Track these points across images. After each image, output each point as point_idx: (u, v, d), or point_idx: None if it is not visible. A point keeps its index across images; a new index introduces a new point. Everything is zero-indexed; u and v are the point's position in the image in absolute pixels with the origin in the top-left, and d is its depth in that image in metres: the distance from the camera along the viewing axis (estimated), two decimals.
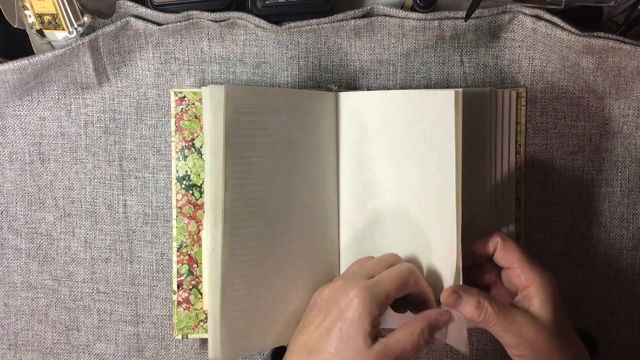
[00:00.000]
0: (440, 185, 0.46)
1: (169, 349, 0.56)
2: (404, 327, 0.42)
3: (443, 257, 0.46)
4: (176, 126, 0.53)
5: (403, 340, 0.41)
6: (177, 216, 0.53)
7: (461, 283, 0.44)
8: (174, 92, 0.53)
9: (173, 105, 0.53)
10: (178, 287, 0.53)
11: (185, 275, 0.53)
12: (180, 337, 0.53)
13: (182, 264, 0.53)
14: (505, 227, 0.52)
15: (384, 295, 0.42)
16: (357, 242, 0.51)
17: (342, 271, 0.51)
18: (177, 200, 0.53)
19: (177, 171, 0.53)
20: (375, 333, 0.41)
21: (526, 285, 0.43)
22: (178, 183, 0.53)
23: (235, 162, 0.44)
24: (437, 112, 0.46)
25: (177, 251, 0.53)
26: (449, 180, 0.45)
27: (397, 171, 0.48)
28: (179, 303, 0.53)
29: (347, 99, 0.51)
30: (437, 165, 0.46)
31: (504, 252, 0.45)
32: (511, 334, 0.41)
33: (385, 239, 0.49)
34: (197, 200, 0.53)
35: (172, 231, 0.55)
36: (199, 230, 0.53)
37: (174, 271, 0.53)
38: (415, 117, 0.47)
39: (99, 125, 0.55)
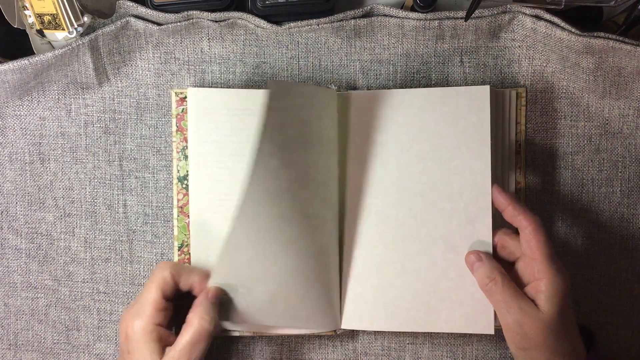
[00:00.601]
0: (475, 178, 0.48)
1: None
2: (186, 325, 0.44)
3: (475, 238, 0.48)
4: (177, 126, 0.53)
5: (191, 338, 0.43)
6: (178, 215, 0.53)
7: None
8: (175, 93, 0.53)
9: (174, 105, 0.53)
10: None
11: None
12: None
13: (183, 263, 0.53)
14: (505, 227, 0.52)
15: (149, 308, 0.45)
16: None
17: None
18: (178, 200, 0.53)
19: (178, 171, 0.53)
20: (163, 345, 0.44)
21: (538, 278, 0.43)
22: (179, 183, 0.53)
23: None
24: (472, 108, 0.48)
25: (179, 250, 0.53)
26: (484, 173, 0.48)
27: (424, 171, 0.50)
28: None
29: (358, 98, 0.51)
30: (471, 162, 0.48)
31: (531, 237, 0.44)
32: (510, 317, 0.42)
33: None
34: None
35: (172, 231, 0.55)
36: None
37: None
38: (449, 115, 0.49)
39: (99, 125, 0.55)
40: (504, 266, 0.46)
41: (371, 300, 0.50)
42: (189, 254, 0.52)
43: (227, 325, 0.50)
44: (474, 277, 0.47)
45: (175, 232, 0.53)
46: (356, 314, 0.51)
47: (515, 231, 0.46)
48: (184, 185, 0.53)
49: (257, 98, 0.51)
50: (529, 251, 0.44)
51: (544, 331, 0.41)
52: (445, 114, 0.49)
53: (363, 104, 0.51)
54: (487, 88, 0.49)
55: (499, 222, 0.48)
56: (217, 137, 0.52)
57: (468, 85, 0.52)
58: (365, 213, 0.51)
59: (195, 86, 0.54)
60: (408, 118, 0.50)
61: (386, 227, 0.51)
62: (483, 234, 0.48)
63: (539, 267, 0.43)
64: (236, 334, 0.52)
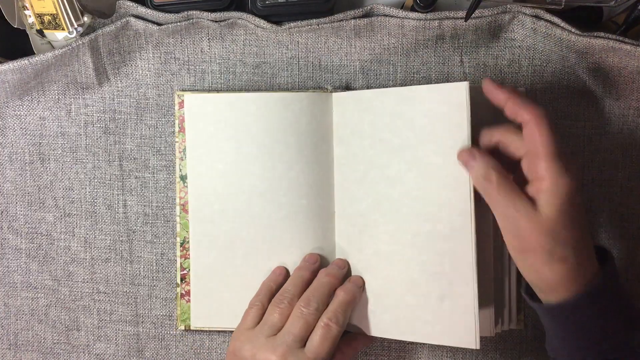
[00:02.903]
0: (453, 182, 0.45)
1: (169, 349, 0.56)
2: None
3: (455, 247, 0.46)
4: (179, 127, 0.53)
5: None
6: (180, 213, 0.53)
7: None
8: (177, 95, 0.53)
9: (176, 107, 0.53)
10: (181, 280, 0.54)
11: (187, 269, 0.53)
12: (182, 328, 0.53)
13: (185, 259, 0.53)
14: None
15: None
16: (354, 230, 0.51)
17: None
18: (180, 198, 0.53)
19: (180, 170, 0.53)
20: None
21: (540, 177, 0.39)
22: (181, 181, 0.53)
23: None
24: (447, 106, 0.45)
25: (180, 246, 0.53)
26: (463, 180, 0.44)
27: (397, 173, 0.48)
28: (182, 295, 0.54)
29: (340, 99, 0.51)
30: (448, 164, 0.45)
31: (533, 132, 0.39)
32: (506, 217, 0.40)
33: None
34: None
35: (172, 231, 0.55)
36: None
37: (178, 265, 0.53)
38: (422, 114, 0.47)
39: (99, 125, 0.55)
40: (509, 165, 0.42)
41: (371, 304, 0.50)
42: (189, 250, 0.53)
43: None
44: (461, 287, 0.45)
45: (177, 229, 0.53)
46: (357, 317, 0.50)
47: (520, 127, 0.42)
48: (185, 184, 0.53)
49: (252, 101, 0.51)
50: (532, 148, 0.40)
51: (540, 232, 0.38)
52: (409, 114, 0.47)
53: (345, 105, 0.51)
54: (463, 85, 0.44)
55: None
56: (214, 140, 0.52)
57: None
58: (352, 218, 0.51)
59: (194, 86, 0.54)
60: (387, 118, 0.49)
61: (371, 230, 0.50)
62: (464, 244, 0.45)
63: (542, 165, 0.39)
64: None
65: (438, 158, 0.46)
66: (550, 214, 0.38)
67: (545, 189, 0.39)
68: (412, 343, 0.55)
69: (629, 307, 0.41)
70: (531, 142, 0.40)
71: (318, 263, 0.51)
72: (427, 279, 0.47)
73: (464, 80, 0.53)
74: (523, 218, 0.39)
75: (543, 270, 0.39)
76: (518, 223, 0.39)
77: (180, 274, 0.54)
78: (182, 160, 0.53)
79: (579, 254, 0.39)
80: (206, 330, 0.55)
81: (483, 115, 0.46)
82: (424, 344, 0.54)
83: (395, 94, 0.48)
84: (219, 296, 0.53)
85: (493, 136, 0.44)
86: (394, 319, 0.48)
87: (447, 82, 0.53)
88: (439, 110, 0.46)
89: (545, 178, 0.39)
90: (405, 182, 0.48)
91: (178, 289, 0.54)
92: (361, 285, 0.49)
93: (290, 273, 0.51)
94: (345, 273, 0.50)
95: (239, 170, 0.52)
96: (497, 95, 0.42)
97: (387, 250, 0.49)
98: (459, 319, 0.45)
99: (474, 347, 0.44)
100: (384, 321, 0.49)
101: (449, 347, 0.54)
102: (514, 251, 0.41)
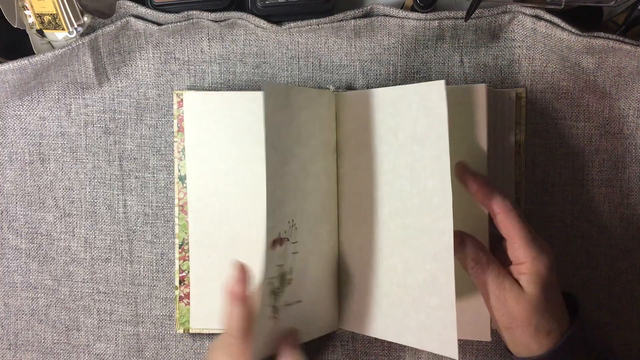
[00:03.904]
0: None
1: (169, 349, 0.56)
2: None
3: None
4: (178, 127, 0.53)
5: None
6: (179, 214, 0.53)
7: None
8: (176, 94, 0.53)
9: (175, 106, 0.53)
10: (180, 282, 0.53)
11: (187, 272, 0.53)
12: (182, 331, 0.53)
13: (184, 261, 0.53)
14: None
15: None
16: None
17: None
18: (179, 199, 0.53)
19: (179, 170, 0.53)
20: None
21: (521, 261, 0.43)
22: (180, 182, 0.53)
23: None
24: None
25: (179, 248, 0.53)
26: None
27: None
28: (181, 298, 0.53)
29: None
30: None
31: (505, 223, 0.43)
32: (494, 297, 0.42)
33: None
34: None
35: (172, 231, 0.55)
36: None
37: (176, 267, 0.53)
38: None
39: (99, 125, 0.55)
40: (494, 240, 0.46)
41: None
42: (189, 251, 0.53)
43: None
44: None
45: (176, 230, 0.53)
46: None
47: None
48: (184, 185, 0.53)
49: (252, 100, 0.51)
50: (506, 236, 0.44)
51: (529, 311, 0.41)
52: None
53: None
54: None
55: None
56: (213, 139, 0.52)
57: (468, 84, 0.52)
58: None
59: (194, 87, 0.54)
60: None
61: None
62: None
63: (520, 251, 0.43)
64: None
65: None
66: (534, 292, 0.42)
67: (526, 271, 0.42)
68: None
69: (602, 353, 0.44)
70: (505, 231, 0.43)
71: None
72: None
73: (463, 80, 0.53)
74: (511, 297, 0.42)
75: (529, 343, 0.42)
76: (506, 302, 0.42)
77: (179, 276, 0.53)
78: (181, 160, 0.53)
79: (560, 322, 0.43)
80: (206, 332, 0.55)
81: (479, 115, 0.46)
82: None
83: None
84: (219, 298, 0.52)
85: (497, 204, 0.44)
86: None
87: (447, 82, 0.53)
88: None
89: (524, 261, 0.42)
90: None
91: (177, 292, 0.53)
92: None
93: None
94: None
95: (240, 170, 0.52)
96: (468, 184, 0.45)
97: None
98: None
99: (454, 358, 0.43)
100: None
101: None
102: (502, 327, 0.43)
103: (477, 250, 0.43)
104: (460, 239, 0.44)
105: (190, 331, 0.53)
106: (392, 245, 0.47)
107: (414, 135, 0.45)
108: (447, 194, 0.42)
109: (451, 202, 0.42)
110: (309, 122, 0.48)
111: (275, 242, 0.45)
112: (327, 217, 0.51)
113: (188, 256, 0.53)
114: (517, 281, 0.43)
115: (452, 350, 0.43)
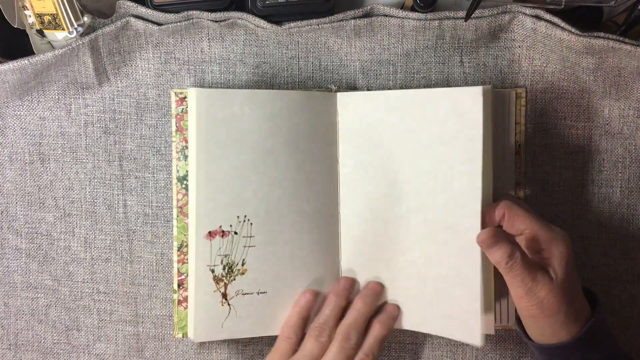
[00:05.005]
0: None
1: (169, 349, 0.56)
2: None
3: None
4: (177, 126, 0.53)
5: None
6: (177, 216, 0.53)
7: None
8: (175, 93, 0.53)
9: (174, 105, 0.53)
10: (178, 286, 0.53)
11: (185, 275, 0.53)
12: (180, 335, 0.53)
13: (183, 264, 0.53)
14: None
15: None
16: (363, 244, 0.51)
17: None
18: (178, 200, 0.53)
19: (178, 171, 0.53)
20: None
21: (542, 247, 0.44)
22: (178, 183, 0.53)
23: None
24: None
25: (178, 250, 0.53)
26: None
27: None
28: (180, 302, 0.53)
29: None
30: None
31: (512, 222, 0.44)
32: (526, 289, 0.43)
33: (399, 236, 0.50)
34: None
35: (172, 231, 0.55)
36: None
37: (175, 270, 0.53)
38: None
39: (99, 125, 0.55)
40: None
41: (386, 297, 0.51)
42: (187, 254, 0.53)
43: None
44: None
45: (175, 232, 0.53)
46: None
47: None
48: (183, 186, 0.53)
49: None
50: (519, 231, 0.45)
51: (560, 297, 0.42)
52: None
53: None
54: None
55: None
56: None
57: (468, 86, 0.52)
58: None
59: (195, 86, 0.54)
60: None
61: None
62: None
63: (536, 238, 0.44)
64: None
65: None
66: (562, 275, 0.43)
67: (549, 255, 0.43)
68: (412, 343, 0.55)
69: (618, 349, 0.45)
70: (517, 226, 0.45)
71: (354, 290, 0.51)
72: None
73: (463, 80, 0.53)
74: (542, 286, 0.43)
75: (559, 330, 0.43)
76: (537, 291, 0.43)
77: (178, 280, 0.53)
78: (180, 160, 0.53)
79: (581, 308, 0.44)
80: None
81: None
82: (424, 344, 0.55)
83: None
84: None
85: (499, 212, 0.46)
86: (405, 312, 0.50)
87: (448, 82, 0.53)
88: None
89: (545, 247, 0.44)
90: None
91: (175, 296, 0.53)
92: (396, 316, 0.50)
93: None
94: (380, 299, 0.51)
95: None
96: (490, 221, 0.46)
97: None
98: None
99: (478, 345, 0.46)
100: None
101: (449, 347, 0.54)
102: (529, 316, 0.44)
103: (512, 246, 0.43)
104: (492, 238, 0.44)
105: (189, 336, 0.53)
106: (412, 240, 0.49)
107: (440, 136, 0.47)
108: (476, 194, 0.45)
109: (480, 202, 0.45)
110: (313, 122, 0.49)
111: (213, 233, 0.49)
112: (329, 217, 0.51)
113: (187, 259, 0.53)
114: (545, 271, 0.43)
115: (477, 338, 0.46)
